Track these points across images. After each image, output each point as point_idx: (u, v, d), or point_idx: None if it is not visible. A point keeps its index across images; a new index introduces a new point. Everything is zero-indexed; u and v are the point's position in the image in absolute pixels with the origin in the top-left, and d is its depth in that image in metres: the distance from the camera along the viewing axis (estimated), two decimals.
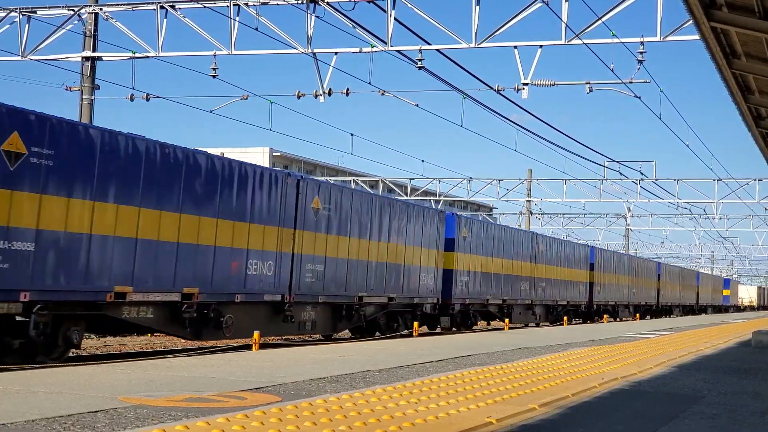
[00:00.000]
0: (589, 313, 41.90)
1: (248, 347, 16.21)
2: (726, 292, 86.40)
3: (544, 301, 35.36)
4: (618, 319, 45.68)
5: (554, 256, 36.75)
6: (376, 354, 13.36)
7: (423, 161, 73.86)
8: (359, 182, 47.75)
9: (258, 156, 62.90)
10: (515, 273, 31.97)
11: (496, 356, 13.98)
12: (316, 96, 22.33)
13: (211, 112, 31.96)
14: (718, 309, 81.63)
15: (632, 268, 49.59)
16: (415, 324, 22.94)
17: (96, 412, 6.66)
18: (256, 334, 16.14)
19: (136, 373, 9.37)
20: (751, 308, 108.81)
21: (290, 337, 21.94)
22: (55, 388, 7.88)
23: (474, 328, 29.52)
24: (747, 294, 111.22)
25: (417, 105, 27.13)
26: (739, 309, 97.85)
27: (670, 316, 56.72)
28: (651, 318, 50.61)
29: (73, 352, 18.04)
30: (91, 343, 20.45)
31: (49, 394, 7.56)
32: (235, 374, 9.69)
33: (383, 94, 24.19)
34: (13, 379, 8.51)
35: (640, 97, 22.56)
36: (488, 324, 33.87)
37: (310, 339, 24.03)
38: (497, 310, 30.89)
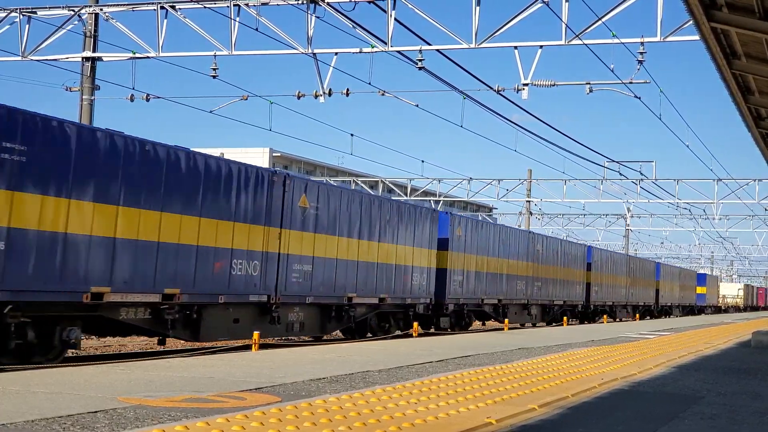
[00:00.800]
0: (433, 315, 26.11)
1: (248, 347, 16.21)
2: (701, 290, 73.31)
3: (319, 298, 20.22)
4: (519, 326, 32.24)
5: (359, 225, 21.34)
6: (375, 354, 13.36)
7: (423, 161, 73.75)
8: (359, 182, 47.76)
9: (258, 156, 62.90)
10: None
11: (496, 356, 13.98)
12: (316, 96, 22.32)
13: (211, 112, 32.00)
14: (690, 310, 68.22)
15: (534, 252, 33.83)
16: (415, 324, 22.95)
17: (96, 412, 6.67)
18: (255, 334, 16.15)
19: (136, 374, 9.37)
20: (736, 309, 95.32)
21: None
22: (55, 389, 7.88)
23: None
24: (731, 292, 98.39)
25: (417, 105, 27.15)
26: (719, 310, 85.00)
27: (618, 320, 45.17)
28: (579, 323, 38.00)
29: (72, 353, 18.06)
30: (90, 343, 20.46)
31: (49, 394, 7.56)
32: (235, 375, 9.70)
33: (383, 94, 24.19)
34: (13, 379, 8.51)
35: (640, 98, 22.56)
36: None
37: (310, 339, 24.04)
38: None
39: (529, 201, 49.16)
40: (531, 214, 50.95)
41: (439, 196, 47.82)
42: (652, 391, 9.90)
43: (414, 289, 24.39)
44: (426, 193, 50.58)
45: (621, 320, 45.40)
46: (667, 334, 24.81)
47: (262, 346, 16.08)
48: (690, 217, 57.61)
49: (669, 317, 55.95)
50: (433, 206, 43.31)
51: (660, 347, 17.79)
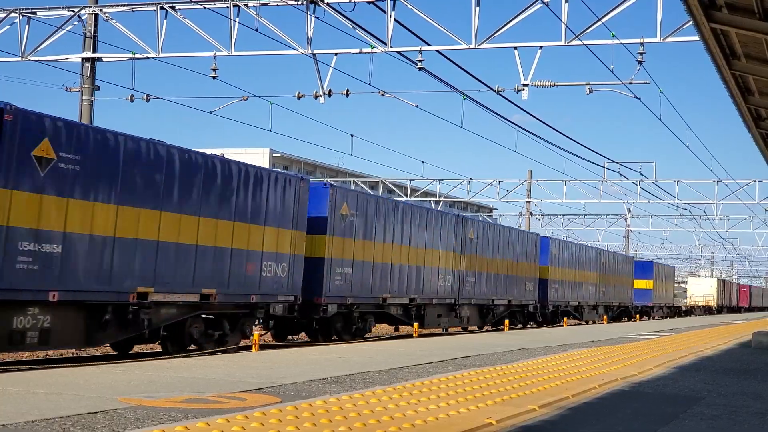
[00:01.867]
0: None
1: (248, 348, 16.21)
2: (641, 284, 51.89)
3: None
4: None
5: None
6: (376, 355, 13.36)
7: (423, 162, 73.51)
8: (359, 183, 47.76)
9: (258, 157, 62.90)
10: None
11: (496, 357, 13.98)
12: (316, 97, 22.30)
13: (211, 113, 31.86)
14: (624, 312, 47.62)
15: (237, 207, 16.91)
16: (415, 325, 23.00)
17: (96, 413, 6.66)
18: (255, 335, 16.16)
19: (136, 374, 9.37)
20: (708, 310, 74.64)
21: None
22: (56, 389, 7.88)
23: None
24: (702, 289, 76.83)
25: (417, 106, 27.16)
26: (678, 312, 64.82)
27: (445, 330, 26.98)
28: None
29: (72, 353, 18.07)
30: None
31: (49, 394, 7.56)
32: (235, 375, 9.70)
33: (383, 94, 24.19)
34: (14, 379, 8.51)
35: (640, 98, 22.56)
36: None
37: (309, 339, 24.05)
38: None
39: (529, 201, 49.16)
40: (531, 214, 50.96)
41: (439, 196, 47.80)
42: (652, 391, 9.89)
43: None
44: (426, 194, 50.56)
45: (461, 333, 27.33)
46: (667, 334, 24.82)
47: (263, 347, 16.09)
48: (690, 217, 57.60)
49: (587, 323, 38.79)
50: (433, 206, 43.31)
51: (660, 348, 17.79)
